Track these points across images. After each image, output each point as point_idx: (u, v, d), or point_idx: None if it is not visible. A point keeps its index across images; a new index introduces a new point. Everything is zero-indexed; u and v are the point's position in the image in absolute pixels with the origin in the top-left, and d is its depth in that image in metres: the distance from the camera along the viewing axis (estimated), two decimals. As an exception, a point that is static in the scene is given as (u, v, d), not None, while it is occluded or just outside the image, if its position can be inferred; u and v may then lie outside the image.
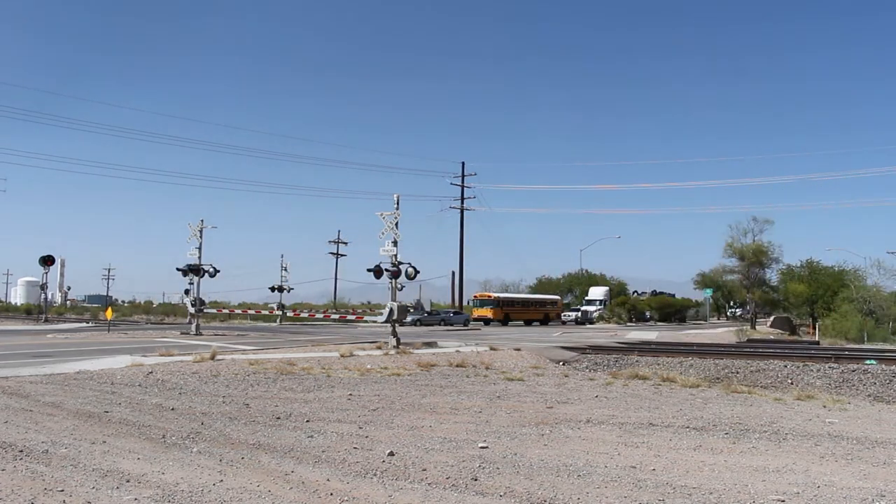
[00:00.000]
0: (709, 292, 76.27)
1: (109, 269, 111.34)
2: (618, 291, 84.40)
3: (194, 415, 9.67)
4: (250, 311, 58.44)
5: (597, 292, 68.16)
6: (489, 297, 59.30)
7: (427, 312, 47.98)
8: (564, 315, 62.21)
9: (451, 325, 47.92)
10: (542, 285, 77.98)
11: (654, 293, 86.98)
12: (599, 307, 64.55)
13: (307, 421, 9.33)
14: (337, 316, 55.44)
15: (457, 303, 58.91)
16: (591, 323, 59.50)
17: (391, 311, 22.20)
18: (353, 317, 55.10)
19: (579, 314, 61.33)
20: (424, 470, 6.64)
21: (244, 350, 21.39)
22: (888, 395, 15.31)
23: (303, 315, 55.92)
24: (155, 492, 5.74)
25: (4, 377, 13.23)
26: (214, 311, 55.38)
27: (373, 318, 46.76)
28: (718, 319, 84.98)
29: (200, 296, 30.65)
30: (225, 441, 7.88)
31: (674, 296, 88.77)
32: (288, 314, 52.29)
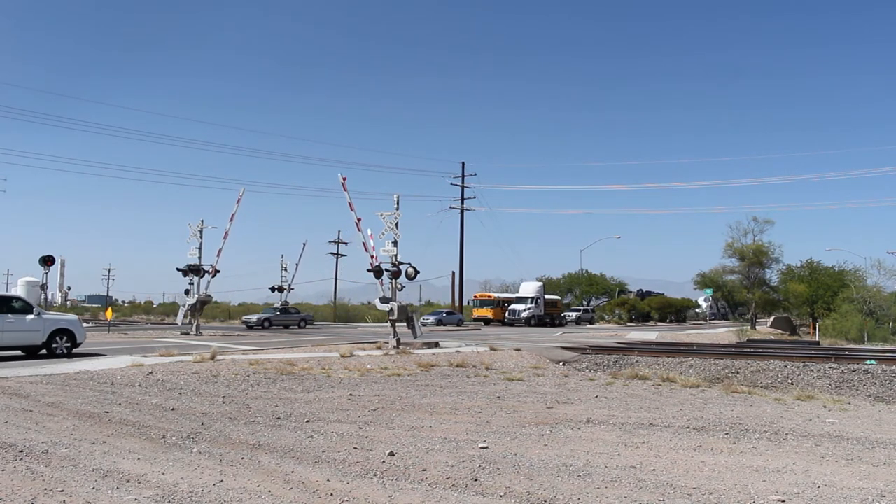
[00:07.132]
0: (709, 292, 76.15)
1: (109, 269, 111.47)
2: (618, 291, 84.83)
3: (194, 415, 9.67)
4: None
5: (528, 289, 58.17)
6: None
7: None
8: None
9: (445, 325, 49.05)
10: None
11: (640, 292, 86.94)
12: (531, 306, 54.94)
13: (307, 421, 9.33)
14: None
15: (457, 303, 58.96)
16: (534, 325, 52.86)
17: (391, 310, 22.24)
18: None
19: (519, 313, 54.68)
20: (425, 470, 6.64)
21: (244, 350, 21.39)
22: (888, 395, 15.32)
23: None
24: (155, 492, 5.74)
25: (4, 377, 13.24)
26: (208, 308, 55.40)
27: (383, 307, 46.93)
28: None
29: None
30: (225, 441, 7.88)
31: (663, 295, 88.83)
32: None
